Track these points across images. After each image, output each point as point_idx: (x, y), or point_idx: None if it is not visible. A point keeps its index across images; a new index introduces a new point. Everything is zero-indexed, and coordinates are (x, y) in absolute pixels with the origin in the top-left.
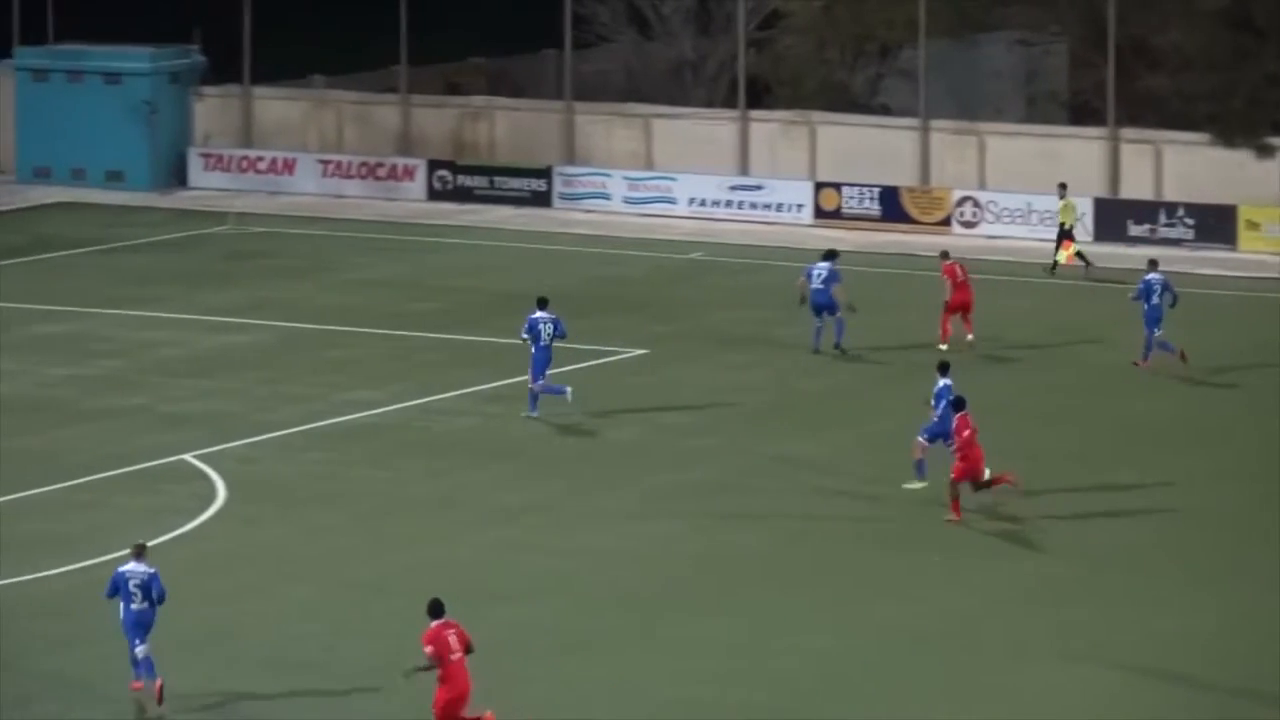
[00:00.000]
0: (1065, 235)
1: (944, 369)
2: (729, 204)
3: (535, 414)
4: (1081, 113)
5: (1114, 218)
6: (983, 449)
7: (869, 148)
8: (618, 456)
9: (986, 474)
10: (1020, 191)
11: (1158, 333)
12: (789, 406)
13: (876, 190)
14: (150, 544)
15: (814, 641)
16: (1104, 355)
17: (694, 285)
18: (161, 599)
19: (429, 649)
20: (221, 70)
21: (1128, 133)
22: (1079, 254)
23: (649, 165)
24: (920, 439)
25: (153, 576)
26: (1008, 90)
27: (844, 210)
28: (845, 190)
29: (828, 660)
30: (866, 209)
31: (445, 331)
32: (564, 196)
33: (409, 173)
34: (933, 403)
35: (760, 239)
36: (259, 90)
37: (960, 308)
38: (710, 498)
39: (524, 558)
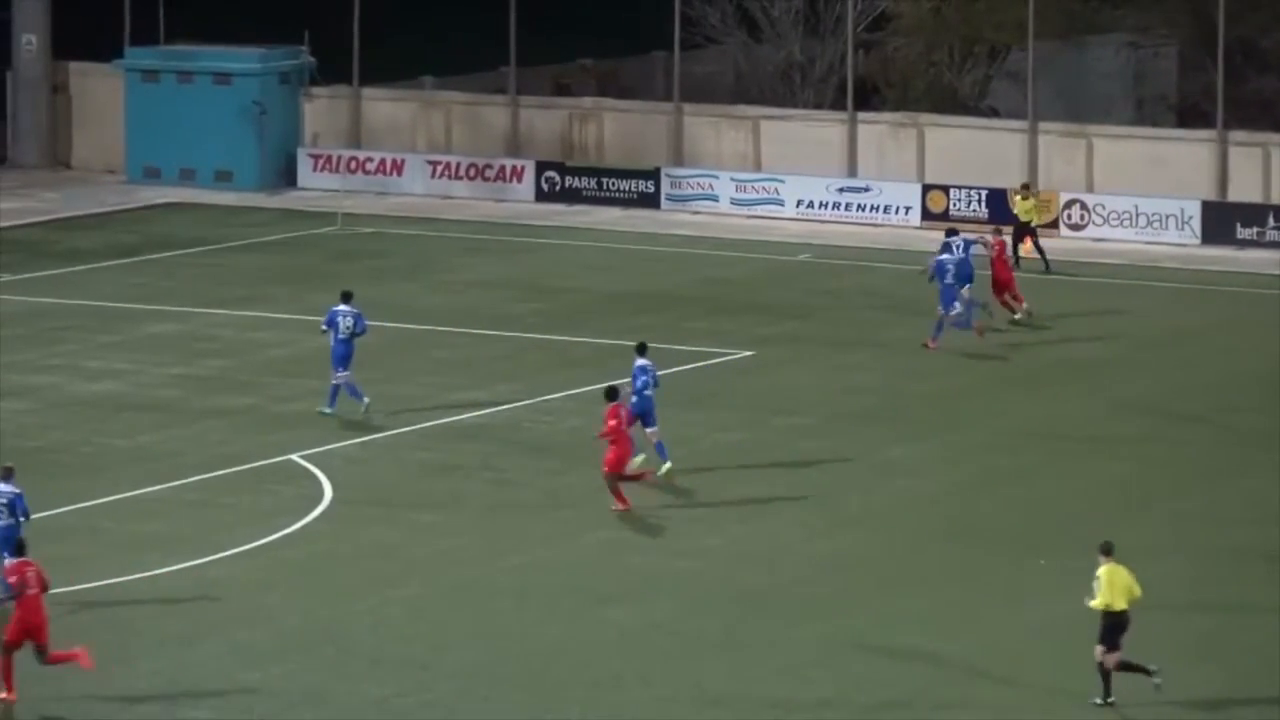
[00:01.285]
0: (1027, 231)
1: (641, 349)
2: (837, 206)
3: (332, 410)
4: (1190, 115)
5: (1222, 221)
6: (632, 439)
7: (977, 150)
8: (727, 458)
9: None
10: (1128, 194)
11: (954, 310)
12: (897, 409)
13: (984, 193)
14: (258, 543)
15: (930, 645)
16: (1225, 358)
17: (801, 287)
18: (26, 516)
19: (12, 579)
20: (331, 71)
21: (1236, 135)
22: (1038, 248)
23: (757, 167)
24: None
25: (18, 496)
26: (1116, 93)
27: (952, 212)
28: (953, 192)
29: (945, 663)
30: (974, 211)
31: (552, 332)
32: (671, 198)
33: (517, 174)
34: (632, 382)
35: (868, 241)
36: (368, 91)
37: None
38: (820, 499)
39: (635, 559)
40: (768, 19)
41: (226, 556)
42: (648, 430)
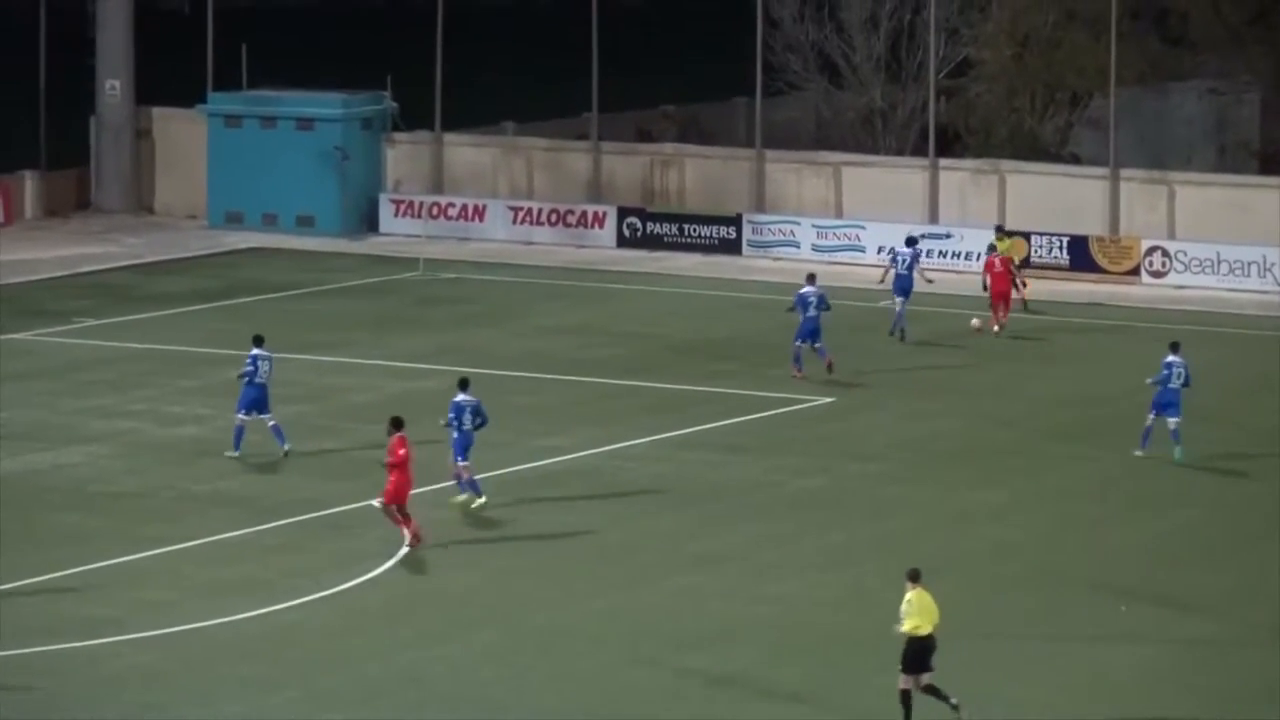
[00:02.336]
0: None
1: (463, 384)
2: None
3: (237, 453)
4: (1272, 162)
5: None
6: (411, 477)
7: (1058, 197)
8: (807, 504)
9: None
10: (1210, 241)
11: (816, 344)
12: (978, 455)
13: (1065, 239)
14: (340, 588)
15: (1018, 692)
16: None
17: (882, 333)
18: None
19: None
20: (413, 116)
21: None
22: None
23: (838, 213)
24: (456, 460)
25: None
26: (1198, 139)
27: (1033, 259)
28: (1034, 239)
29: (1027, 710)
30: (1055, 258)
31: (633, 378)
32: (753, 244)
33: (599, 219)
34: (453, 417)
35: (949, 287)
36: (450, 136)
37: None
38: (900, 547)
39: (714, 605)
40: (849, 65)
41: (307, 601)
42: (461, 464)
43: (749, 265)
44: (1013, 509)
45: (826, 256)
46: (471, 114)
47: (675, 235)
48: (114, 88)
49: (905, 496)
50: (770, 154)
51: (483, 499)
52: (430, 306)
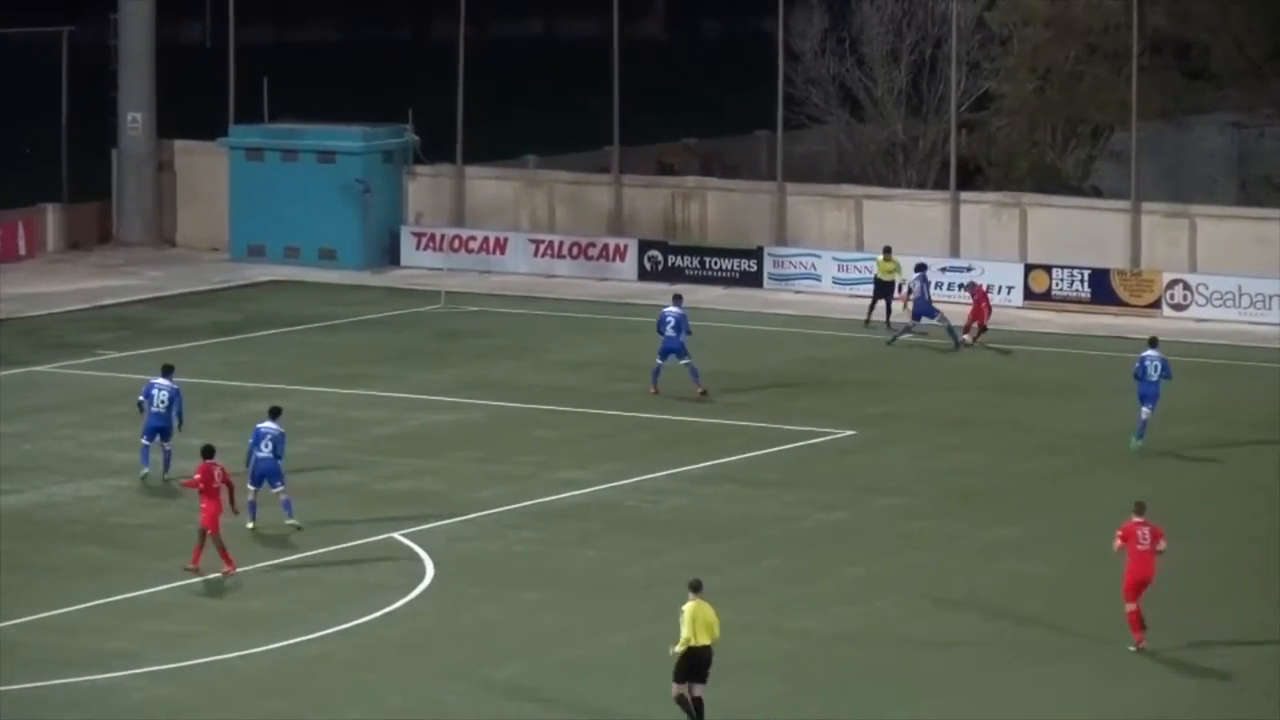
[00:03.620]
0: (885, 292)
1: (273, 413)
2: (939, 285)
3: (146, 468)
4: None
5: None
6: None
7: (1080, 230)
8: (829, 538)
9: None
10: (1232, 274)
11: (683, 360)
12: (1000, 489)
13: (1087, 273)
14: (360, 621)
15: None
16: None
17: (903, 366)
18: None
19: None
20: (434, 149)
21: None
22: (887, 307)
23: (859, 246)
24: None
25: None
26: (1220, 173)
27: (1054, 292)
28: (1055, 272)
29: None
30: (1076, 291)
31: (654, 411)
32: (774, 277)
33: (620, 253)
34: (252, 442)
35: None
36: (471, 170)
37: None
38: (923, 580)
39: (737, 639)
40: (870, 99)
41: (328, 634)
42: (274, 490)
43: (770, 298)
44: (1034, 543)
45: (847, 289)
46: (493, 147)
47: (696, 268)
48: (135, 121)
49: (927, 530)
50: (791, 187)
51: (291, 520)
52: (451, 340)
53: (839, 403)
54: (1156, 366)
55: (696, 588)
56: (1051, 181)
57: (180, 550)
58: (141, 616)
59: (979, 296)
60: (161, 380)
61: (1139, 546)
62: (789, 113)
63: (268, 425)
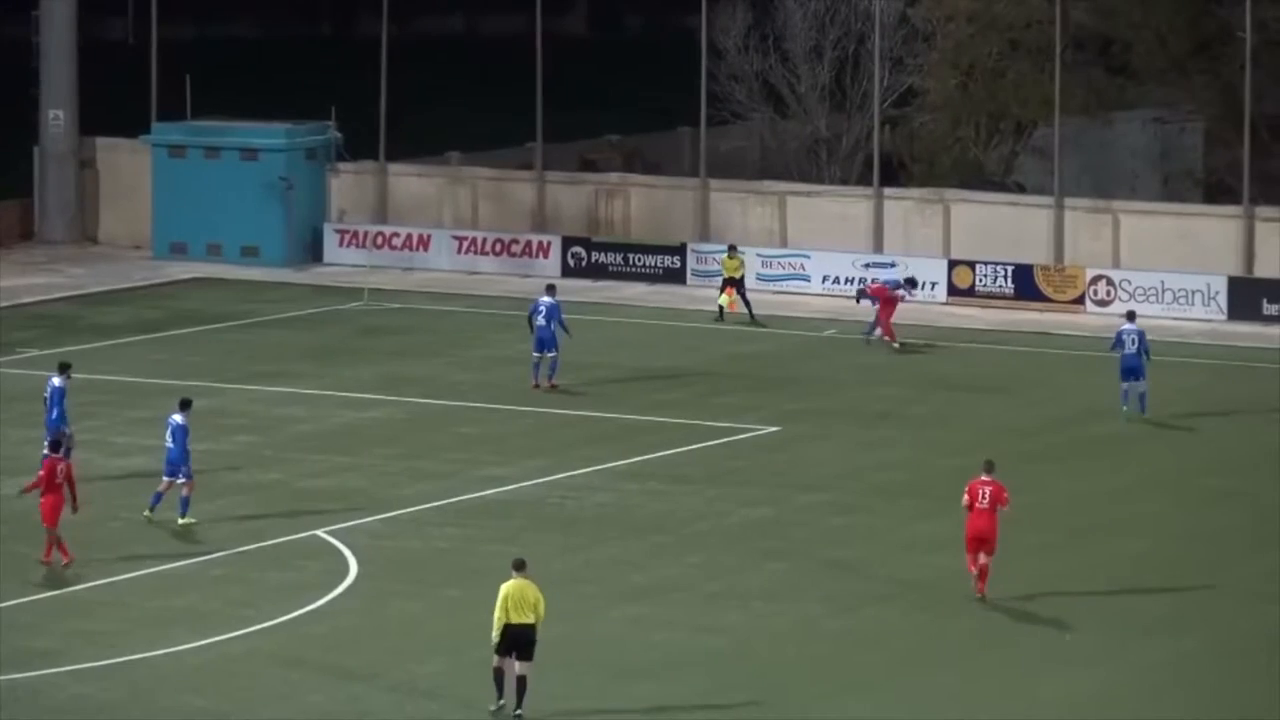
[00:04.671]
0: (730, 284)
1: (181, 405)
2: (863, 281)
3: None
4: (1216, 191)
5: (1248, 297)
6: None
7: (1003, 226)
8: (753, 534)
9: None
10: (1155, 270)
11: (549, 353)
12: (924, 485)
13: (1010, 268)
14: (283, 619)
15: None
16: (1250, 434)
17: (827, 362)
18: None
19: None
20: (358, 147)
21: (1263, 211)
22: (745, 302)
23: (783, 243)
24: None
25: None
26: (1143, 168)
27: (978, 288)
28: (979, 268)
29: None
30: (1000, 287)
31: (577, 408)
32: (697, 273)
33: (543, 249)
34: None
35: (895, 317)
36: (394, 167)
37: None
38: (848, 576)
39: (660, 635)
40: (794, 95)
41: (252, 632)
42: (178, 481)
43: (693, 294)
44: (959, 538)
45: (771, 286)
46: (416, 144)
47: (620, 265)
48: (58, 118)
49: (851, 526)
50: (715, 183)
51: (183, 520)
52: (375, 336)
53: (762, 399)
54: (1134, 339)
55: (519, 566)
56: (975, 177)
57: (105, 547)
58: (65, 615)
59: (880, 293)
60: (55, 379)
61: (979, 505)
62: (712, 109)
63: (172, 417)
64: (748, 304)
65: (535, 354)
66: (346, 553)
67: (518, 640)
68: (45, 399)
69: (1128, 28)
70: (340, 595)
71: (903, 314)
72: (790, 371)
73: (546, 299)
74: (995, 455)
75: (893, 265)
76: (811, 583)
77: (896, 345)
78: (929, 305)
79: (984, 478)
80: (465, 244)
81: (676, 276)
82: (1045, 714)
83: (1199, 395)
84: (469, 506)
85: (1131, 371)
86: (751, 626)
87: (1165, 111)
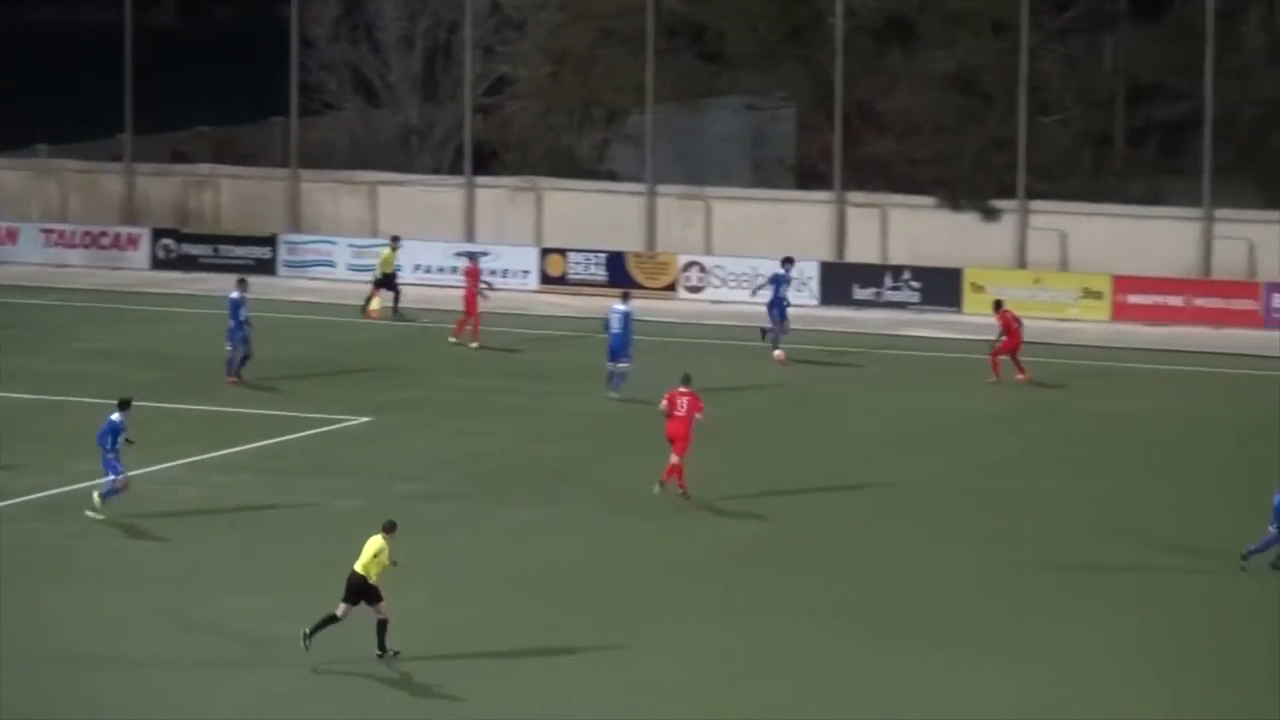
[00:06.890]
0: (380, 284)
1: (120, 405)
2: (455, 270)
3: None
4: (808, 177)
5: (840, 282)
6: None
7: (596, 213)
8: (349, 525)
9: None
10: (747, 256)
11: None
12: (520, 473)
13: (603, 256)
14: None
15: (581, 708)
16: (849, 418)
17: (420, 352)
18: None
19: None
20: None
21: (854, 196)
22: (396, 300)
23: (375, 232)
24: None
25: None
26: (735, 155)
27: (570, 276)
28: (571, 256)
29: None
30: (593, 274)
31: (170, 400)
32: (289, 264)
33: (133, 241)
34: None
35: (486, 305)
36: None
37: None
38: (451, 566)
39: (243, 625)
40: (385, 84)
41: None
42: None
43: (286, 285)
44: (556, 525)
45: (364, 275)
46: (2, 136)
47: (210, 256)
48: None
49: (448, 515)
50: (306, 174)
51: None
52: None
53: (356, 389)
54: (619, 320)
55: (388, 529)
56: (567, 165)
57: None
58: None
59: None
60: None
61: (677, 413)
62: (303, 99)
63: (119, 417)
64: (397, 298)
65: (230, 348)
66: None
67: (349, 586)
68: None
69: (720, 15)
70: None
71: (496, 302)
72: (383, 362)
73: (237, 293)
74: (589, 443)
75: (485, 254)
76: (415, 573)
77: (475, 345)
78: (521, 293)
79: (681, 389)
80: (54, 237)
81: (267, 267)
82: (647, 698)
83: (792, 381)
84: (59, 500)
85: (615, 351)
86: (353, 619)
87: (757, 99)
